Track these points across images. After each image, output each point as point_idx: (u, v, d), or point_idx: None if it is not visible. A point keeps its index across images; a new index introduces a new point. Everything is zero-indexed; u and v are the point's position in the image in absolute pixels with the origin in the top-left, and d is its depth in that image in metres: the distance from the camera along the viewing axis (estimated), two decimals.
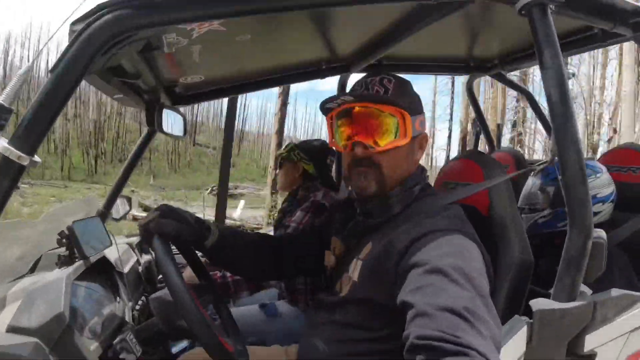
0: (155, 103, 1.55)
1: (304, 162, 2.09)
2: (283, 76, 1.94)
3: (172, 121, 1.68)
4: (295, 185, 2.14)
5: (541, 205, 1.70)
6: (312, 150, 2.07)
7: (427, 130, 1.20)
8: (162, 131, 1.59)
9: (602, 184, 1.67)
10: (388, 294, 0.93)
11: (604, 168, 1.71)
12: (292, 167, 2.11)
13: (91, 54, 0.83)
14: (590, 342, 1.09)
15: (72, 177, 15.63)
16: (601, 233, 1.08)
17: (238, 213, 11.24)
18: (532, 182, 1.77)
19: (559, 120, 1.04)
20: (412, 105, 1.09)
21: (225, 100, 2.29)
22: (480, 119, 2.62)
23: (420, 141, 1.14)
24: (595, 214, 1.66)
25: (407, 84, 1.12)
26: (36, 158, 0.86)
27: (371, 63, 1.86)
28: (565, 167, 1.04)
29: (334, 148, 1.55)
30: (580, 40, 1.68)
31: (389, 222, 1.09)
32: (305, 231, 1.51)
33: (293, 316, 1.85)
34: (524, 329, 1.00)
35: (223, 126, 2.61)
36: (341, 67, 1.96)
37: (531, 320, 1.01)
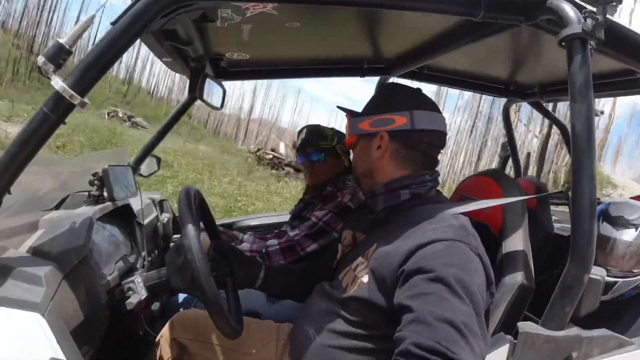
0: (199, 72, 1.62)
1: (346, 157, 1.91)
2: (324, 68, 1.98)
3: (212, 92, 1.75)
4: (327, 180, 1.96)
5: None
6: None
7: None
8: (202, 99, 1.67)
9: None
10: (388, 297, 0.95)
11: None
12: (335, 162, 1.94)
13: (153, 14, 0.90)
14: None
15: None
16: (601, 271, 1.09)
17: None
18: (633, 238, 1.57)
19: (579, 154, 1.03)
20: (372, 107, 1.19)
21: None
22: (511, 143, 2.61)
23: (379, 140, 1.12)
24: None
25: (384, 88, 1.26)
26: (85, 100, 0.94)
27: (412, 70, 1.88)
28: (576, 201, 1.04)
29: None
30: (617, 83, 1.65)
31: (385, 221, 1.13)
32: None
33: (294, 305, 1.74)
34: (506, 346, 1.02)
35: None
36: (382, 69, 1.97)
37: (515, 340, 1.03)
